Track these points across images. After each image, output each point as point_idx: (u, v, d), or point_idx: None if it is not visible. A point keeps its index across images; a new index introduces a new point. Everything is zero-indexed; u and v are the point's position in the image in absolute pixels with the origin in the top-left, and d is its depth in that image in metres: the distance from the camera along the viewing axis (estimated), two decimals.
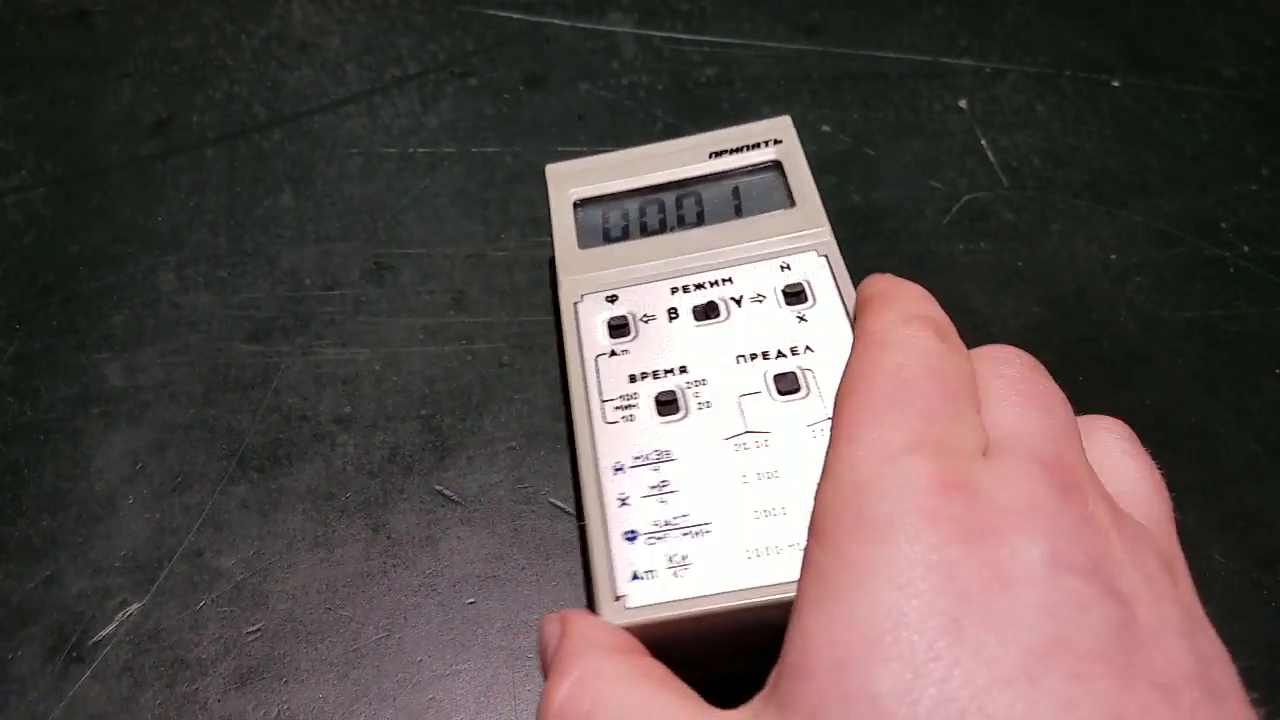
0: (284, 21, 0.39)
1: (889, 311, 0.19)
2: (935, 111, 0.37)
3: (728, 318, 0.25)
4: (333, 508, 0.26)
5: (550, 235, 0.28)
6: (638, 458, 0.22)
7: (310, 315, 0.30)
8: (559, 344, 0.29)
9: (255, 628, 0.24)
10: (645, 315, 0.25)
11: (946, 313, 0.20)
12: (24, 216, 0.32)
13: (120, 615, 0.24)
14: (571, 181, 0.28)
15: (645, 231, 0.27)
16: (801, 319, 0.25)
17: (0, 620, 0.23)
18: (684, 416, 0.23)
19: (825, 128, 0.37)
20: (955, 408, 0.17)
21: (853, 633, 0.14)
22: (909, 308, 0.19)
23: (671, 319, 0.25)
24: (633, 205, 0.28)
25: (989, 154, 0.36)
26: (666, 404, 0.23)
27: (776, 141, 0.28)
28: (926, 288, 0.20)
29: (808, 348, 0.24)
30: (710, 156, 0.28)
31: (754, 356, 0.24)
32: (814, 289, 0.25)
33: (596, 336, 0.25)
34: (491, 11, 0.40)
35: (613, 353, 0.24)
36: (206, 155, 0.34)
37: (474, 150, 0.35)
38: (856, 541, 0.15)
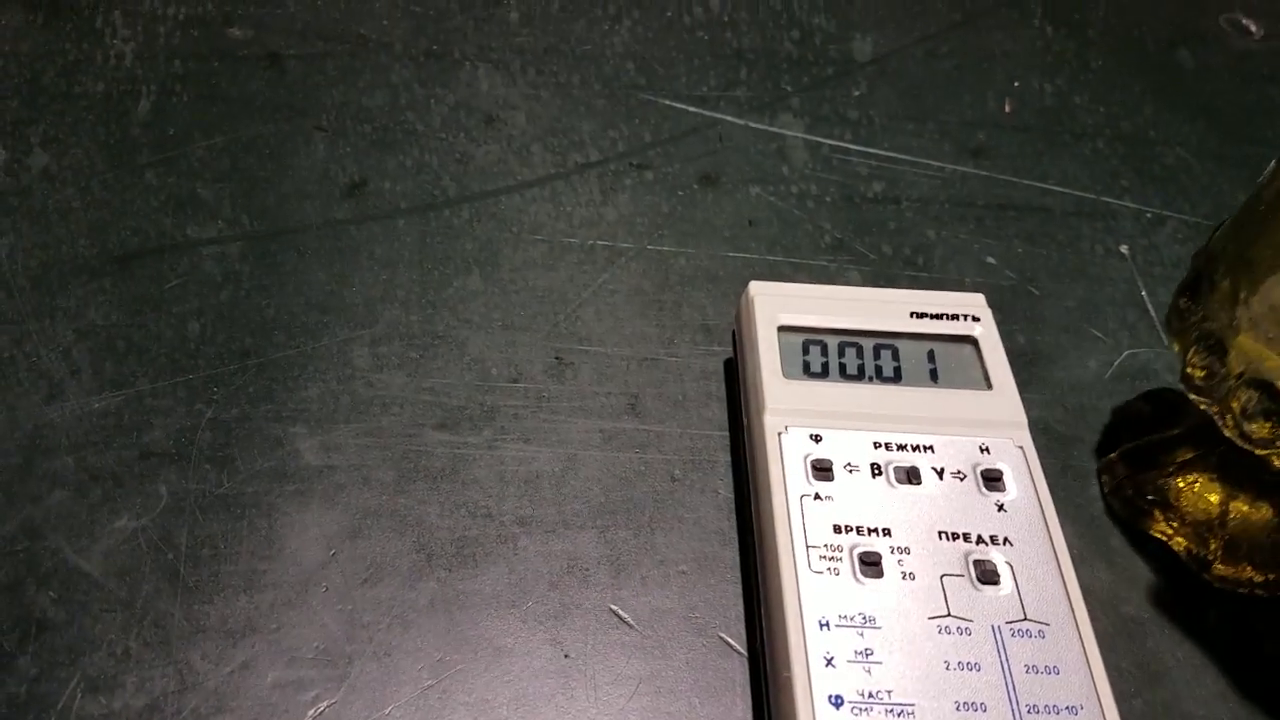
0: (470, 89, 0.38)
1: None
2: (1098, 255, 0.36)
3: (929, 487, 0.24)
4: (515, 616, 0.25)
5: (735, 348, 0.28)
6: (843, 617, 0.21)
7: (496, 407, 0.29)
8: (735, 465, 0.28)
9: None
10: (849, 464, 0.24)
11: None
12: (221, 271, 0.31)
13: (312, 712, 0.23)
14: (776, 305, 0.27)
15: (845, 375, 0.26)
16: (1000, 508, 0.24)
17: (198, 704, 0.23)
18: (886, 582, 0.22)
19: (990, 259, 0.36)
20: None
21: None
22: None
23: (875, 475, 0.24)
24: (833, 344, 0.27)
25: (1149, 308, 0.34)
26: (871, 565, 0.22)
27: (975, 319, 0.27)
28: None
29: (1007, 540, 0.23)
30: (911, 316, 0.27)
31: (955, 536, 0.23)
32: (1011, 479, 0.25)
33: (801, 474, 0.24)
34: (669, 102, 0.39)
35: (817, 496, 0.24)
36: (398, 226, 0.33)
37: (649, 248, 0.34)
38: None
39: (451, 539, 0.26)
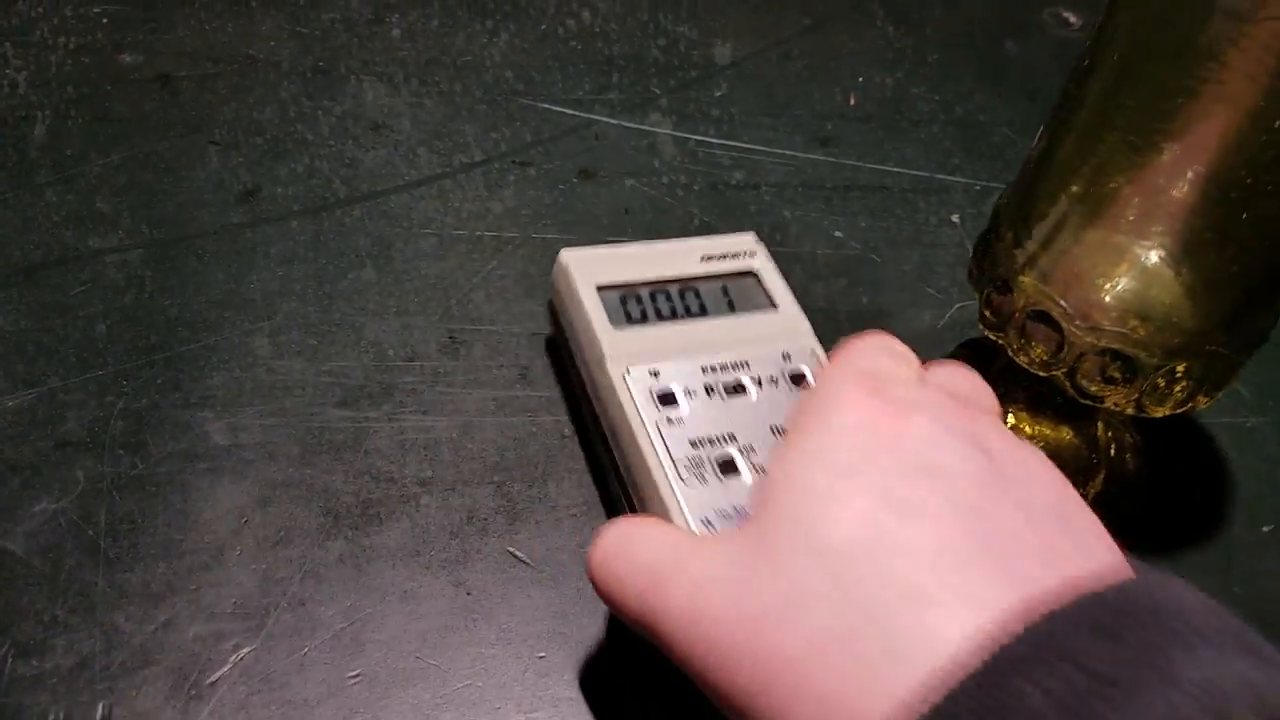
0: (357, 101, 0.41)
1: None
2: (932, 224, 0.41)
3: (752, 395, 0.29)
4: (419, 564, 0.28)
5: (555, 318, 0.32)
6: (718, 511, 0.26)
7: (394, 384, 0.32)
8: (589, 414, 0.31)
9: (355, 673, 0.26)
10: (687, 389, 0.28)
11: None
12: (124, 277, 0.34)
13: (234, 658, 0.25)
14: (590, 269, 0.31)
15: (661, 317, 0.31)
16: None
17: (125, 659, 0.25)
18: (743, 477, 0.26)
19: (837, 233, 0.40)
20: (896, 358, 0.24)
21: (798, 452, 0.21)
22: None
23: (709, 394, 0.28)
24: (645, 293, 0.31)
25: None
26: (728, 466, 0.27)
27: (751, 254, 0.33)
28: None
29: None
30: (701, 260, 0.32)
31: (782, 430, 0.28)
32: (811, 375, 0.30)
33: (651, 405, 0.28)
34: (547, 106, 0.43)
35: (669, 420, 0.27)
36: (292, 227, 0.36)
37: (534, 237, 0.37)
38: (811, 413, 0.22)
39: (356, 502, 0.29)
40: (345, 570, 0.28)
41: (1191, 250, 0.28)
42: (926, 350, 0.38)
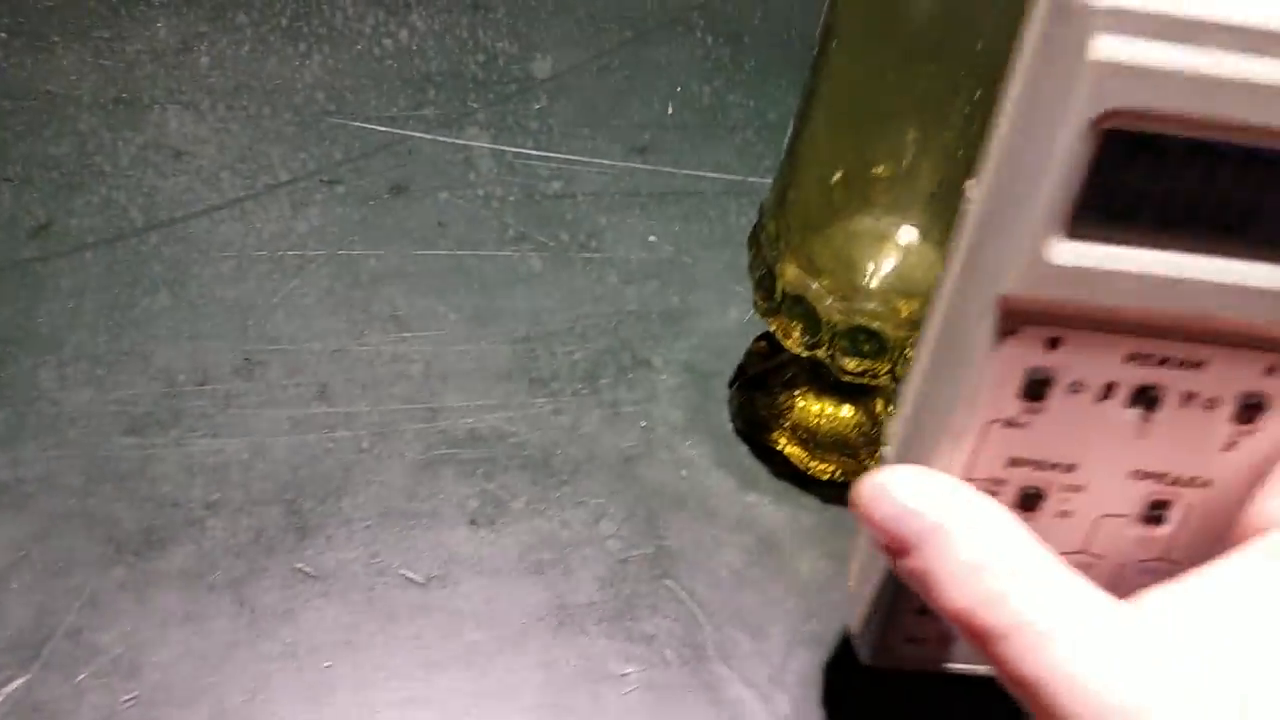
0: (159, 130, 0.41)
1: None
2: (742, 225, 0.43)
3: (1163, 415, 0.19)
4: (202, 586, 0.28)
5: None
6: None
7: (183, 410, 0.32)
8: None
9: (130, 696, 0.26)
10: (1075, 383, 0.19)
11: None
12: None
13: (5, 690, 0.25)
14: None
15: (1177, 222, 0.18)
16: (1231, 446, 0.19)
17: None
18: (1034, 520, 0.20)
19: (652, 238, 0.42)
20: None
21: None
22: None
23: (1101, 398, 0.19)
24: (1191, 158, 0.17)
25: None
26: (1029, 497, 0.20)
27: None
28: None
29: (1207, 484, 0.20)
30: None
31: (1151, 475, 0.20)
32: (1274, 411, 0.19)
33: (1006, 391, 0.19)
34: (359, 124, 0.44)
35: (1009, 423, 0.19)
36: (86, 259, 0.36)
37: (340, 253, 0.38)
38: None
39: (139, 529, 0.29)
40: (126, 597, 0.28)
41: (944, 226, 0.30)
42: (730, 344, 0.40)
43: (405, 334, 0.36)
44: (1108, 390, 0.19)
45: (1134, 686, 0.15)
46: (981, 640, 0.17)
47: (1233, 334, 0.18)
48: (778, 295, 0.31)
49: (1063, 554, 0.18)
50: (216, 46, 0.46)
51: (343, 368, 0.35)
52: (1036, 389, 0.18)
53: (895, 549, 0.18)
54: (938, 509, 0.18)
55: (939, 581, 0.17)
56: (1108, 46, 0.16)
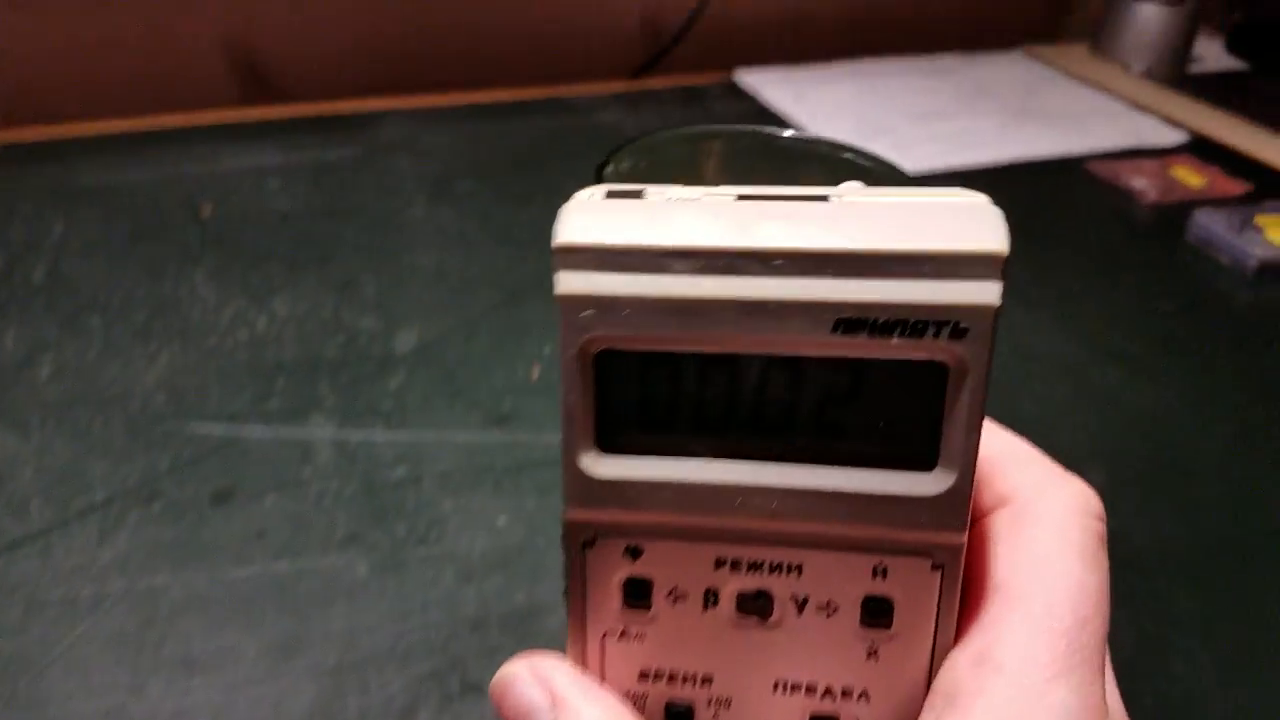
0: None
1: None
2: None
3: (780, 623, 0.19)
4: None
5: None
6: None
7: None
8: None
9: None
10: (674, 591, 0.19)
11: None
12: None
13: None
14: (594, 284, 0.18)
15: (702, 428, 0.18)
16: (873, 653, 0.19)
17: None
18: None
19: (501, 520, 0.39)
20: None
21: None
22: None
23: (708, 605, 0.19)
24: (691, 369, 0.18)
25: None
26: (678, 714, 0.20)
27: (959, 332, 0.17)
28: None
29: (864, 695, 0.19)
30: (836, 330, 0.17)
31: (797, 689, 0.19)
32: (904, 612, 0.18)
33: (609, 603, 0.19)
34: (194, 425, 0.42)
35: (623, 633, 0.19)
36: None
37: (141, 585, 0.35)
38: None
39: None
40: None
41: None
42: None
43: (194, 680, 0.32)
44: (711, 597, 0.19)
45: None
46: None
47: (794, 537, 0.18)
48: None
49: None
50: (62, 355, 0.46)
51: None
52: (637, 599, 0.19)
53: None
54: (552, 701, 0.19)
55: None
56: (567, 281, 0.17)
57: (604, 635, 0.19)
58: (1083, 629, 0.17)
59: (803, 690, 0.19)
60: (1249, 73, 0.90)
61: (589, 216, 0.18)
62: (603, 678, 0.19)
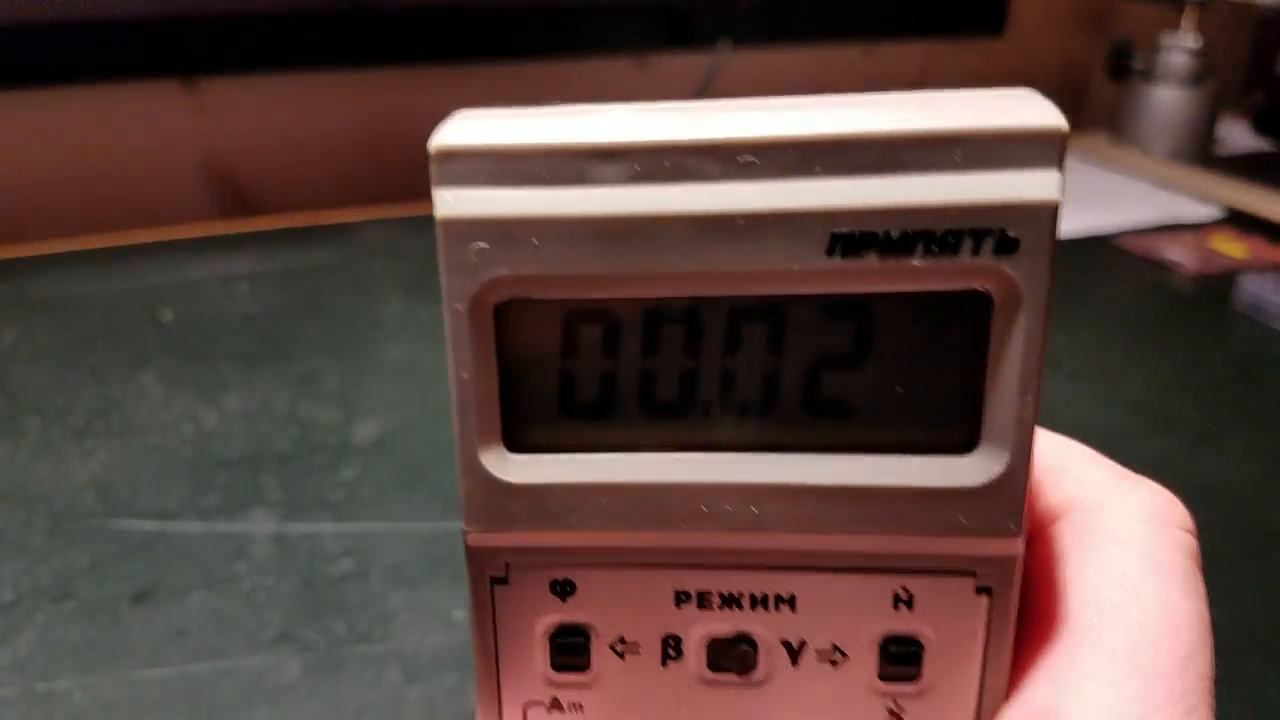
0: None
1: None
2: None
3: (768, 679, 0.13)
4: None
5: None
6: None
7: None
8: None
9: None
10: (619, 642, 0.14)
11: None
12: None
13: None
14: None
15: (651, 410, 0.13)
16: (896, 716, 0.14)
17: None
18: None
19: (457, 614, 0.35)
20: None
21: None
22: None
23: (667, 659, 0.13)
24: (631, 324, 0.13)
25: None
26: None
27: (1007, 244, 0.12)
28: None
29: None
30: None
31: None
32: (937, 657, 0.13)
33: (531, 662, 0.14)
34: (120, 522, 0.38)
35: (553, 704, 0.14)
36: None
37: (38, 689, 0.31)
38: None
39: None
40: None
41: None
42: None
43: None
44: (672, 648, 0.13)
45: None
46: None
47: (784, 557, 0.13)
48: None
49: None
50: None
51: None
52: (571, 655, 0.13)
53: None
54: None
55: None
56: (450, 201, 0.12)
57: (525, 707, 0.14)
58: (1185, 670, 0.12)
59: None
60: (1278, 152, 0.88)
61: (483, 120, 0.13)
62: None
